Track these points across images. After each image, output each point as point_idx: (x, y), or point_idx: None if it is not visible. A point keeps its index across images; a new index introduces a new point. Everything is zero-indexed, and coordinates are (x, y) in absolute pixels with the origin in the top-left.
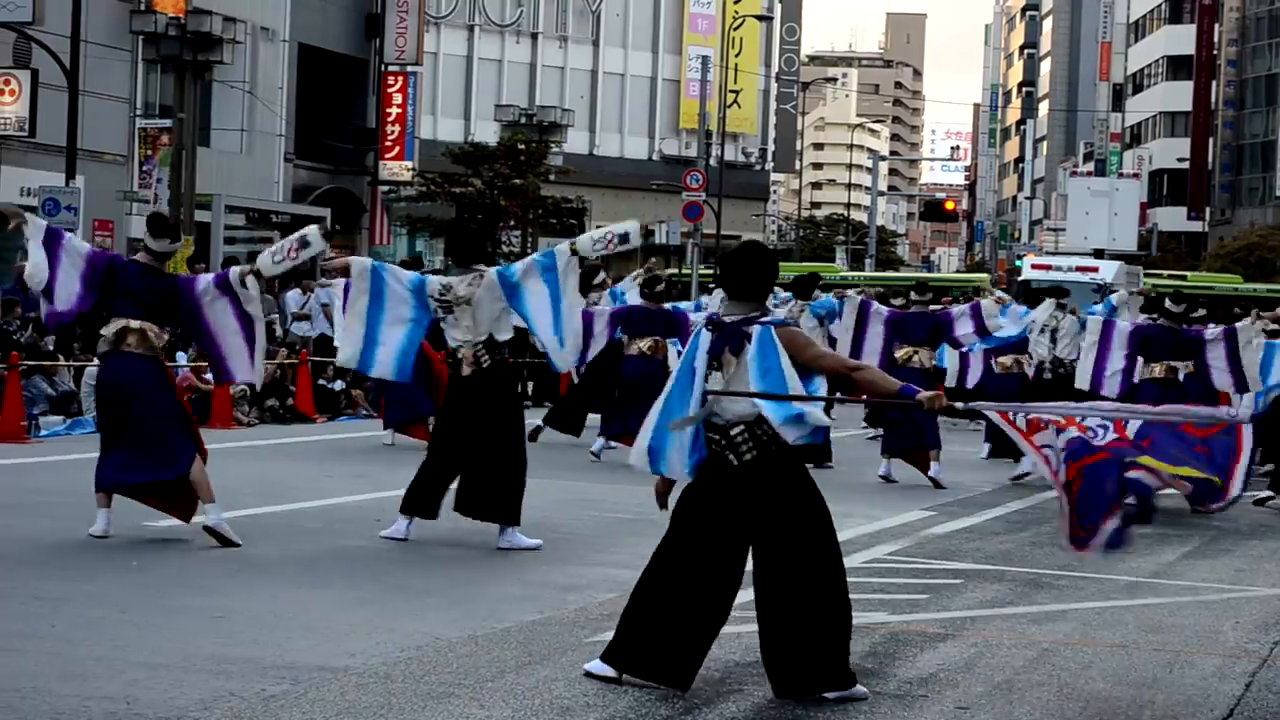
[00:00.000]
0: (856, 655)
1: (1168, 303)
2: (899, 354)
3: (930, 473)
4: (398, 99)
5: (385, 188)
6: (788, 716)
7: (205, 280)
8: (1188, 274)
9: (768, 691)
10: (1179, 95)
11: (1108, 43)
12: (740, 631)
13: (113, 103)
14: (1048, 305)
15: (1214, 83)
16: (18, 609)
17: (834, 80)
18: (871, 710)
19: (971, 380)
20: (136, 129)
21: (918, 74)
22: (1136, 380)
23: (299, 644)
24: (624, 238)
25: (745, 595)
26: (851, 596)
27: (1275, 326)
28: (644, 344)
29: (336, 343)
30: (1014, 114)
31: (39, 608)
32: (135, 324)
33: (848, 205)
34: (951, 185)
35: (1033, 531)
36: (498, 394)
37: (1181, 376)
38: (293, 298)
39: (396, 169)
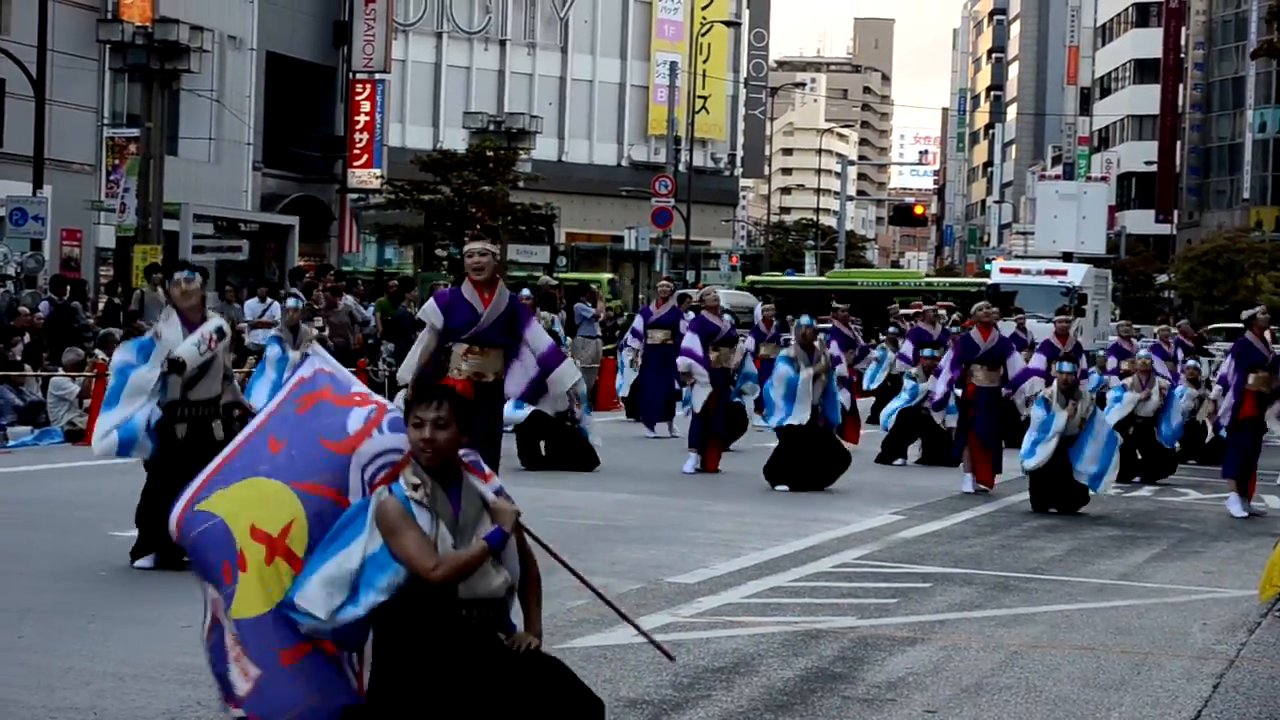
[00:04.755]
0: (826, 659)
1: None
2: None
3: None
4: (366, 106)
5: (354, 195)
6: None
7: None
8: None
9: (736, 698)
10: (1146, 98)
11: (1075, 47)
12: (710, 637)
13: (80, 112)
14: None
15: (1181, 86)
16: None
17: (802, 85)
18: (840, 714)
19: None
20: (104, 138)
21: (886, 79)
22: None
23: None
24: None
25: (712, 601)
26: (820, 600)
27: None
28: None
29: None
30: (982, 118)
31: (6, 618)
32: None
33: (817, 210)
34: (920, 189)
35: (1001, 535)
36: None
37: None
38: (251, 306)
39: (365, 177)
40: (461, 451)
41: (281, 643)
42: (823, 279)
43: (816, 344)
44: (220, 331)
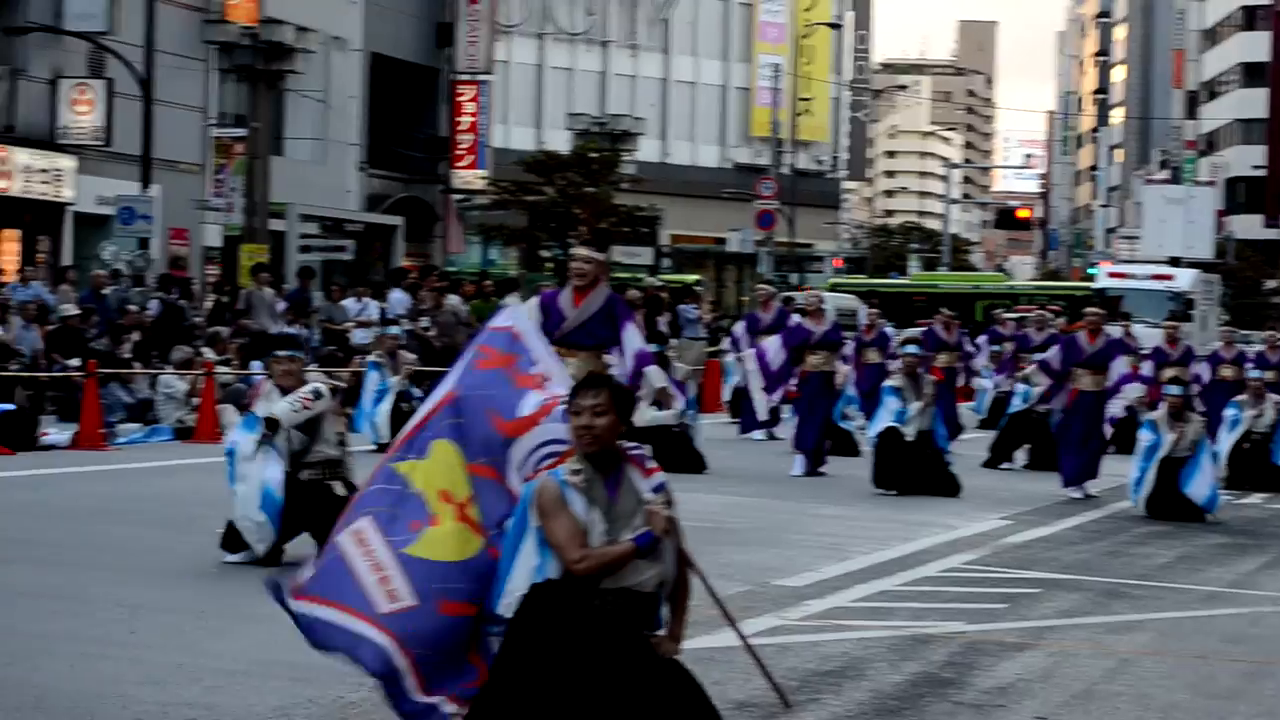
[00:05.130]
0: (935, 664)
1: None
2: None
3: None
4: (469, 108)
5: (458, 196)
6: None
7: None
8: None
9: (845, 702)
10: (1254, 102)
11: (1181, 50)
12: (818, 640)
13: (187, 112)
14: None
15: None
16: (98, 615)
17: (905, 88)
18: (950, 719)
19: None
20: (211, 138)
21: (990, 81)
22: None
23: None
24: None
25: (820, 604)
26: (929, 606)
27: None
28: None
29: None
30: (1088, 121)
31: (119, 614)
32: None
33: (920, 213)
34: (1025, 193)
35: (1110, 541)
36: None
37: None
38: (349, 306)
39: (469, 177)
40: (629, 445)
41: (448, 594)
42: (904, 281)
43: (920, 372)
44: (316, 393)
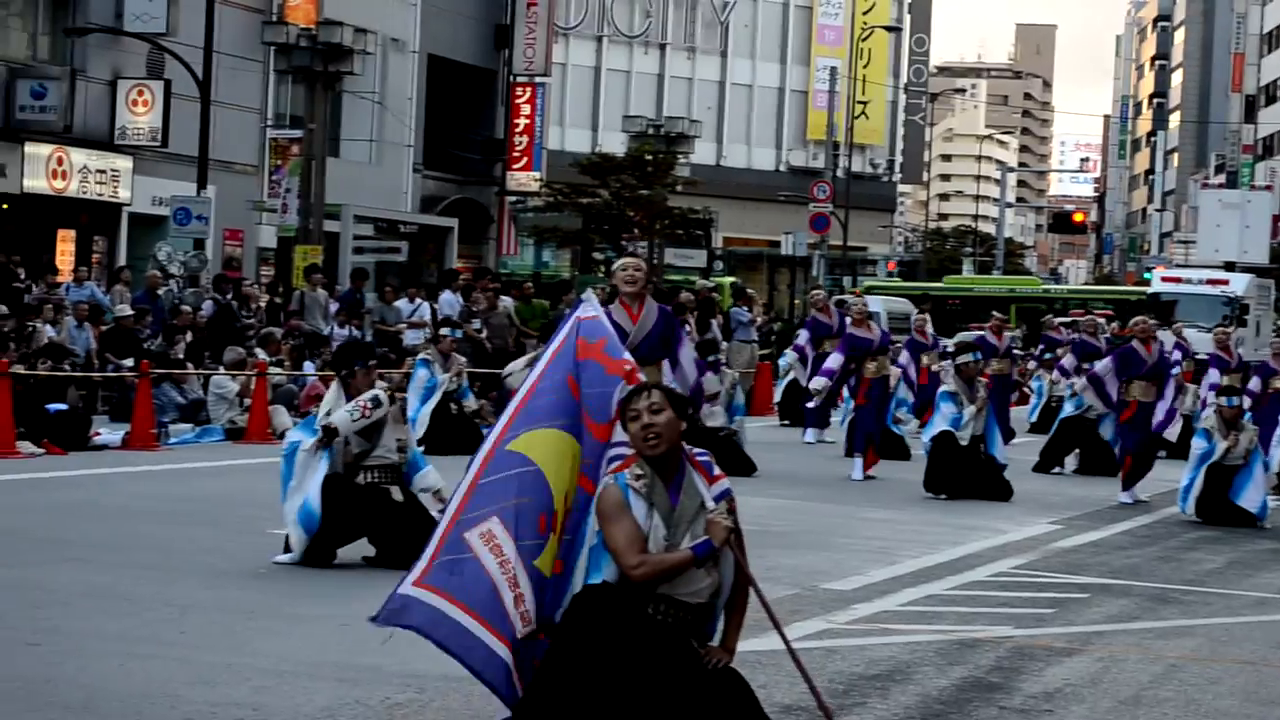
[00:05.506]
0: (982, 669)
1: None
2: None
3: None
4: (526, 110)
5: (513, 198)
6: None
7: None
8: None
9: (891, 706)
10: None
11: (1240, 54)
12: (865, 644)
13: (244, 113)
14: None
15: None
16: (148, 615)
17: (962, 91)
18: None
19: None
20: (267, 139)
21: (1047, 85)
22: None
23: (424, 653)
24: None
25: (868, 608)
26: (977, 609)
27: None
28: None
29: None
30: (1145, 125)
31: (168, 614)
32: None
33: (975, 217)
34: (1080, 197)
35: (1159, 546)
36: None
37: None
38: (402, 306)
39: (524, 179)
40: (696, 450)
41: (546, 613)
42: (940, 284)
43: (975, 378)
44: (376, 400)
